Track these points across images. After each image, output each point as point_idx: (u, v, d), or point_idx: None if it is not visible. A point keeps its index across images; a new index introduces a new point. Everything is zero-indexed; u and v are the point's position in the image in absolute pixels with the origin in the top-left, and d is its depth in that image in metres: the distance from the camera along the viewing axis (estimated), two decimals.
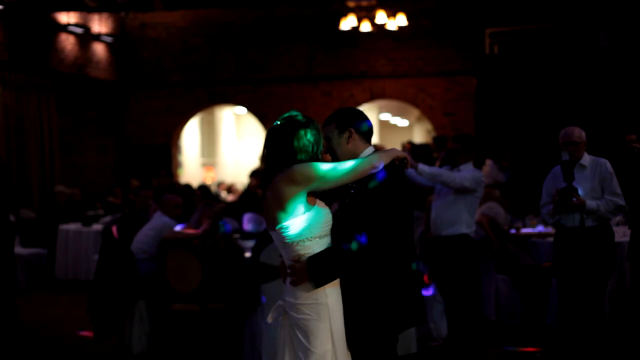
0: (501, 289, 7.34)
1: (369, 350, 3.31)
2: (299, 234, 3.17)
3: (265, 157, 3.31)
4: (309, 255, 3.18)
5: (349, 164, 3.22)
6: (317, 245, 3.20)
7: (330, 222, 3.27)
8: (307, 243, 3.18)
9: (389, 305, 3.28)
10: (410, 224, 3.42)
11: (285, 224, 3.18)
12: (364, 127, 3.51)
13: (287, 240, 3.20)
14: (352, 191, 3.39)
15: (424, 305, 3.48)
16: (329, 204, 3.41)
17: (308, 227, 3.18)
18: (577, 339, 5.43)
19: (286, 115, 3.34)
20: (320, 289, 3.18)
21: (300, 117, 3.30)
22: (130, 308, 6.49)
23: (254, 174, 11.20)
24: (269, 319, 3.30)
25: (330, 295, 3.19)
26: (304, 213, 3.17)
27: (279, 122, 3.30)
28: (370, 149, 3.49)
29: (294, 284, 3.19)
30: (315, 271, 3.17)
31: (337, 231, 3.31)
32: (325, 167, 3.19)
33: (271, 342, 5.48)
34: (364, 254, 3.21)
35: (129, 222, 7.65)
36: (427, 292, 6.78)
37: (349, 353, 3.26)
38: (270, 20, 14.42)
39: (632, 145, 5.76)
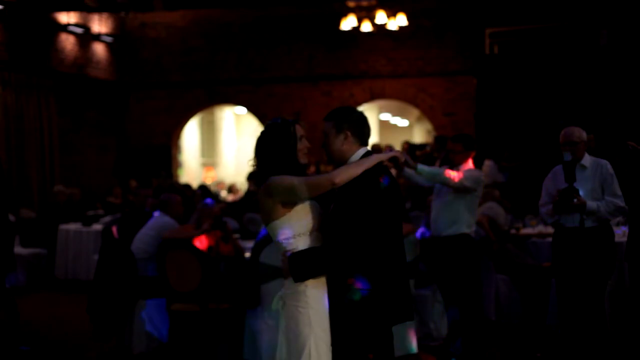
0: (501, 289, 7.34)
1: (353, 348, 3.38)
2: (283, 233, 3.44)
3: (256, 164, 3.57)
4: (293, 252, 3.42)
5: (311, 181, 3.43)
6: (302, 242, 3.43)
7: (311, 221, 3.46)
8: (291, 240, 3.43)
9: (372, 302, 3.34)
10: (393, 223, 3.47)
11: (270, 225, 3.46)
12: (361, 129, 3.58)
13: (275, 239, 3.50)
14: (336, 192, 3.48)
15: (410, 301, 3.52)
16: (326, 205, 3.49)
17: (289, 227, 3.43)
18: (576, 339, 5.43)
19: (269, 123, 3.59)
20: None
21: (274, 125, 3.55)
22: (130, 308, 6.50)
23: (251, 177, 11.20)
24: (273, 306, 3.54)
25: (310, 285, 3.40)
26: (284, 216, 3.42)
27: (260, 134, 3.58)
28: (362, 151, 3.58)
29: (284, 276, 3.45)
30: (294, 268, 3.37)
31: (325, 232, 3.49)
32: (294, 182, 3.40)
33: (271, 342, 5.48)
34: (341, 254, 3.31)
35: (129, 222, 7.65)
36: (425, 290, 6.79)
37: (330, 345, 3.41)
38: (270, 20, 14.43)
39: (628, 143, 5.75)
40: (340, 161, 3.57)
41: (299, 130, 3.53)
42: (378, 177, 3.45)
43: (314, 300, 3.38)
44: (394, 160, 3.57)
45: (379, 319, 3.39)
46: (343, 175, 3.39)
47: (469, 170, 5.97)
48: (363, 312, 3.35)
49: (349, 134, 3.55)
